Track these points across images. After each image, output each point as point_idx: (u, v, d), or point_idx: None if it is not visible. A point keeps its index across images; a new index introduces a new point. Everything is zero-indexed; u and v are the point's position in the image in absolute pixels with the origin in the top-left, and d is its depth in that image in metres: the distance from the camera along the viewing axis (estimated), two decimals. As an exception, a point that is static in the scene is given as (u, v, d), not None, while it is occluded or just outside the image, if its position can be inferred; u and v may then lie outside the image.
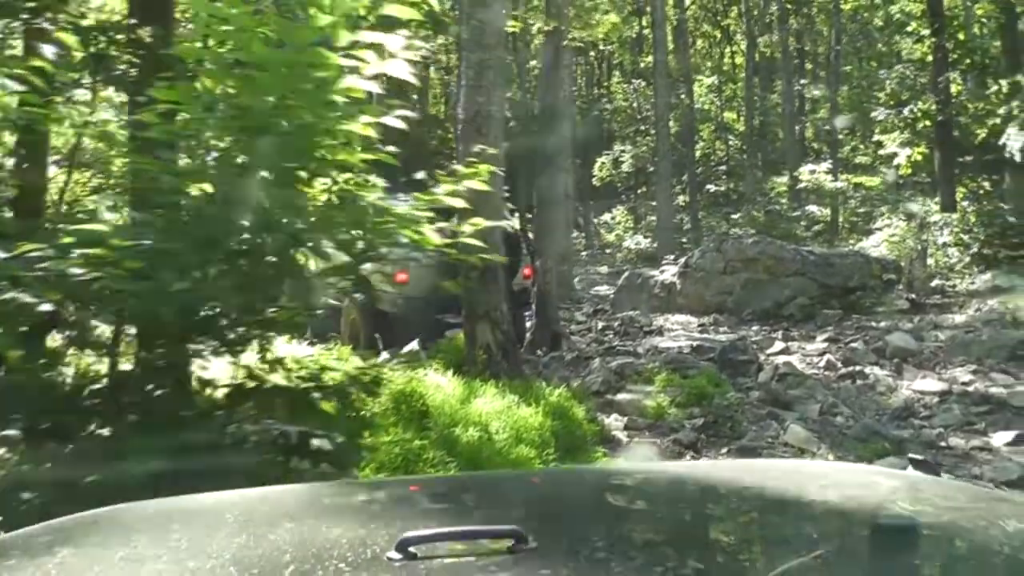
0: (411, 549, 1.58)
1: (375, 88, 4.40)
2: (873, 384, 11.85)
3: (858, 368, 12.50)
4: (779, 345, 14.23)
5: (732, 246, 18.13)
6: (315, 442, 5.77)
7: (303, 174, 4.69)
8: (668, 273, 18.78)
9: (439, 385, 9.87)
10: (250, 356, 5.24)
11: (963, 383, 12.15)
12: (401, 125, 4.50)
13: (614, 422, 10.17)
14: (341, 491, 2.62)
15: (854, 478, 2.44)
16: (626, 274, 20.50)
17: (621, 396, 10.91)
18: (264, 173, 4.47)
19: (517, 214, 15.92)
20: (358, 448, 6.77)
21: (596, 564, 1.59)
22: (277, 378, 5.71)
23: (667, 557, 1.65)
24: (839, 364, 12.84)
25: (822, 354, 13.57)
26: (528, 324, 15.16)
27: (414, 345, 11.93)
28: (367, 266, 13.82)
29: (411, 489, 2.59)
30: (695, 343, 12.98)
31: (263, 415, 5.26)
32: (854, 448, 9.10)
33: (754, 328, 16.36)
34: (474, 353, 11.26)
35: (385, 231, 4.59)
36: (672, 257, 21.92)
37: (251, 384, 5.36)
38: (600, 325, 17.20)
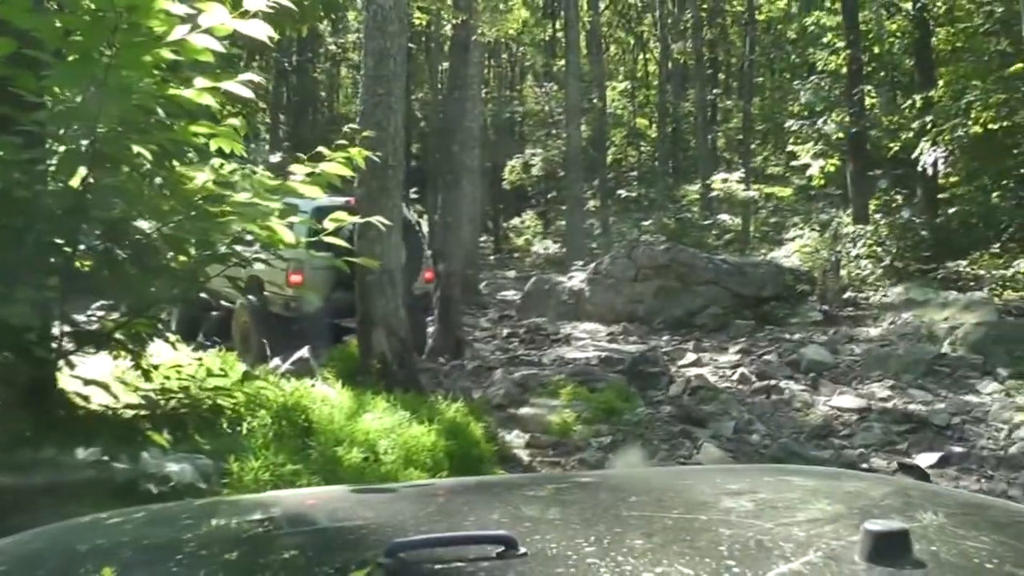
0: (401, 555, 1.57)
1: (219, 47, 3.58)
2: (789, 400, 11.30)
3: (773, 382, 11.96)
4: (691, 356, 13.64)
5: (643, 253, 17.54)
6: (170, 468, 5.18)
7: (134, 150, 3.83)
8: (577, 279, 18.11)
9: (327, 397, 9.09)
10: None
11: (881, 399, 11.70)
12: (247, 93, 3.68)
13: (516, 439, 9.46)
14: (331, 497, 2.61)
15: (843, 483, 2.42)
16: (533, 279, 19.82)
17: (524, 410, 10.20)
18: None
19: (425, 215, 15.24)
20: (218, 474, 5.99)
21: (586, 569, 1.57)
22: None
23: (657, 563, 1.61)
24: (753, 377, 12.29)
25: (735, 366, 13.02)
26: (429, 330, 14.45)
27: (304, 352, 11.07)
28: (259, 265, 12.84)
29: (401, 495, 2.53)
30: (603, 353, 12.31)
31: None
32: (772, 471, 8.45)
33: (665, 338, 15.78)
34: (368, 362, 10.46)
35: (221, 224, 3.75)
36: (581, 263, 21.33)
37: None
38: (505, 332, 16.50)
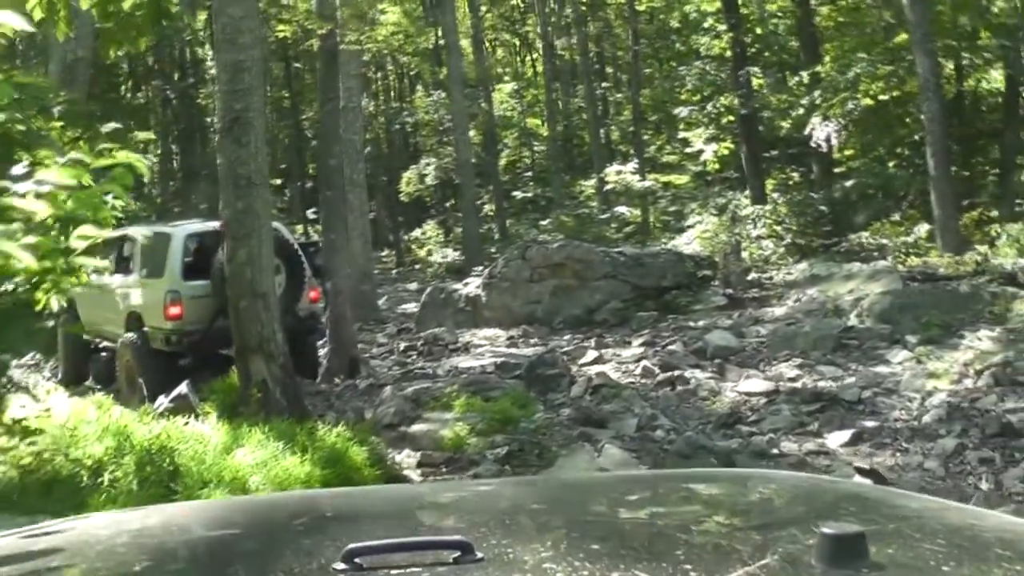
0: (357, 560, 1.55)
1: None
2: (695, 389, 10.80)
3: (677, 373, 11.45)
4: (592, 354, 13.05)
5: (537, 252, 16.95)
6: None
7: None
8: (472, 286, 17.47)
9: (200, 435, 8.46)
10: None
11: (790, 379, 11.32)
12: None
13: (407, 459, 8.85)
14: (287, 502, 2.63)
15: (799, 486, 2.39)
16: (429, 290, 19.13)
17: (416, 427, 9.58)
18: None
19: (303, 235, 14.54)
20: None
21: (542, 574, 1.57)
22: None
23: (614, 566, 1.61)
24: (657, 370, 11.76)
25: (639, 360, 12.50)
26: (323, 351, 13.76)
27: (183, 388, 10.31)
28: (136, 300, 11.91)
29: (358, 500, 2.52)
30: (500, 359, 11.69)
31: None
32: (677, 467, 7.89)
33: (566, 337, 15.21)
34: (248, 392, 9.73)
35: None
36: (480, 268, 20.73)
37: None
38: (403, 346, 15.78)
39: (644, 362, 12.10)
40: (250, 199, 9.92)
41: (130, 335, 12.60)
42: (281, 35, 20.00)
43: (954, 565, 1.63)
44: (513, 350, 13.27)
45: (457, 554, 1.58)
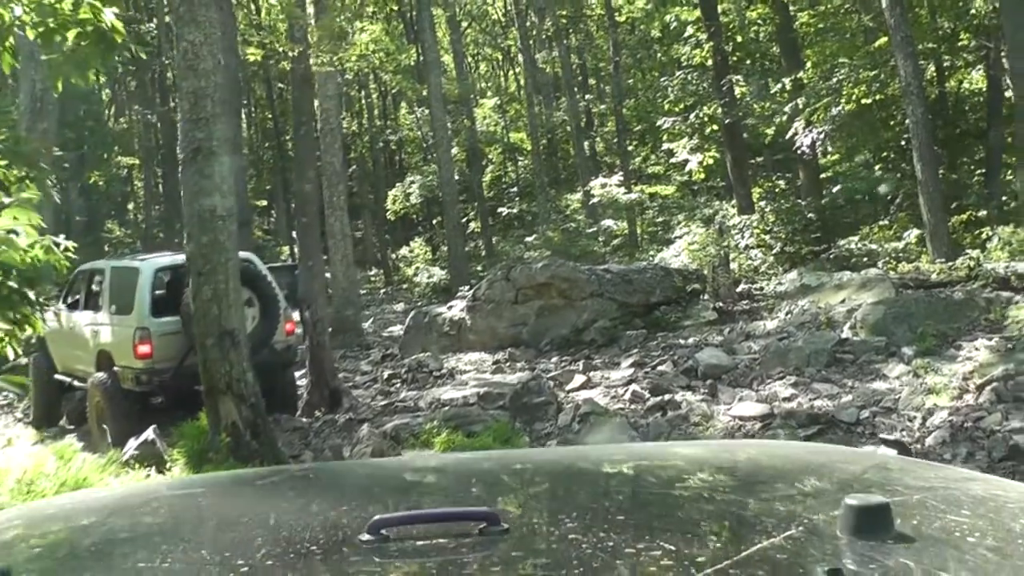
0: (383, 531, 1.57)
1: None
2: (687, 414, 10.41)
3: (668, 396, 11.04)
4: (579, 379, 12.65)
5: (521, 273, 16.53)
6: None
7: None
8: (456, 308, 17.05)
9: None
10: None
11: (785, 399, 10.94)
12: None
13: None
14: (314, 474, 2.61)
15: (824, 458, 2.38)
16: (412, 313, 18.72)
17: (395, 467, 9.07)
18: None
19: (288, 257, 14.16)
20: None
21: (567, 544, 1.58)
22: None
23: (639, 537, 1.62)
24: (647, 394, 11.37)
25: (628, 383, 12.11)
26: (303, 382, 13.38)
27: (149, 434, 9.89)
28: (105, 338, 11.46)
29: (384, 471, 2.52)
30: (483, 389, 11.26)
31: None
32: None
33: (553, 359, 14.81)
34: (216, 438, 9.31)
35: None
36: (467, 288, 20.34)
37: None
38: (387, 374, 15.34)
39: (633, 386, 11.70)
40: (215, 232, 9.53)
41: (100, 375, 12.15)
42: (252, 58, 19.58)
43: (979, 536, 1.63)
44: (499, 376, 12.86)
45: (483, 525, 1.59)
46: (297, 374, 13.76)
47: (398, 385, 14.53)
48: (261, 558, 1.62)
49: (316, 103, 19.64)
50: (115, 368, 12.07)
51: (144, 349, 11.72)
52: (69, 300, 13.89)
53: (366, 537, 1.58)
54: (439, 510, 1.77)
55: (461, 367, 14.86)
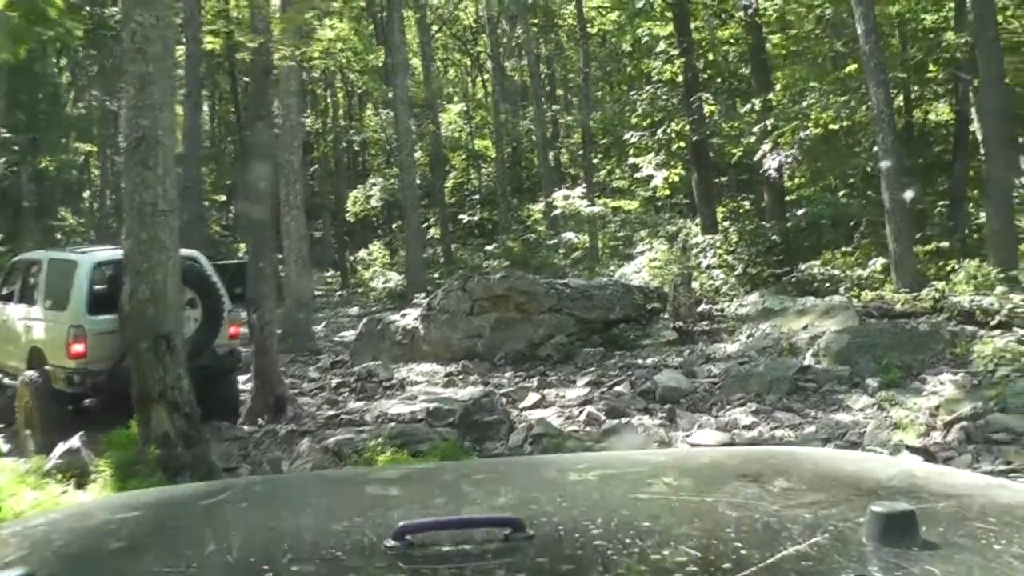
0: (408, 537, 1.58)
1: None
2: (644, 441, 9.96)
3: (624, 420, 10.61)
4: (534, 396, 12.23)
5: (478, 284, 16.09)
6: None
7: None
8: (410, 317, 16.57)
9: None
10: None
11: (745, 427, 10.57)
12: None
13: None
14: (340, 480, 2.72)
15: (850, 464, 2.40)
16: (365, 320, 18.23)
17: (335, 485, 8.59)
18: None
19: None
20: None
21: (593, 551, 1.59)
22: None
23: (664, 544, 1.63)
24: (603, 416, 10.95)
25: (583, 403, 11.70)
26: (248, 387, 12.88)
27: (75, 442, 9.27)
28: (38, 334, 10.79)
29: (409, 477, 2.55)
30: (432, 404, 10.77)
31: None
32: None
33: (507, 374, 14.38)
34: (145, 448, 8.77)
35: None
36: (423, 295, 19.87)
37: None
38: (335, 382, 14.83)
39: (589, 407, 11.28)
40: (156, 228, 8.96)
41: (31, 373, 11.46)
42: (211, 46, 18.95)
43: (1005, 543, 1.61)
44: (450, 391, 12.37)
45: (508, 531, 1.58)
46: (243, 379, 13.26)
47: (346, 394, 14.05)
48: (287, 562, 1.63)
49: (277, 99, 19.20)
50: (47, 367, 11.42)
51: (78, 348, 11.07)
52: (4, 291, 13.22)
53: (391, 543, 1.57)
54: (464, 516, 1.77)
55: (412, 378, 14.39)
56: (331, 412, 12.45)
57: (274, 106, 17.71)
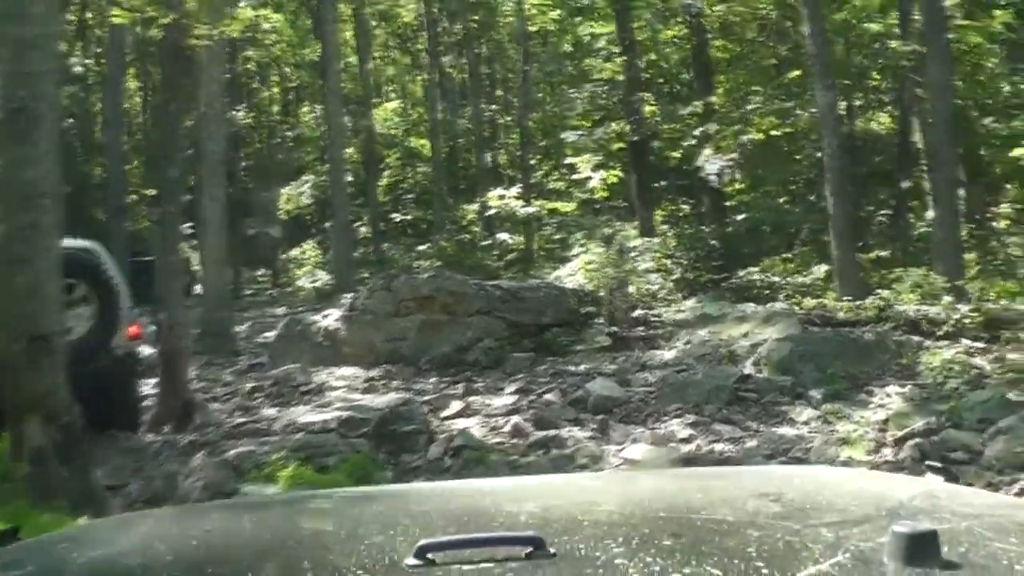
0: (429, 556, 1.58)
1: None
2: (573, 454, 9.29)
3: (553, 432, 9.88)
4: (457, 405, 11.44)
5: (404, 283, 15.26)
6: None
7: None
8: (332, 318, 15.70)
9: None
10: None
11: (683, 440, 9.84)
12: None
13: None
14: (360, 498, 2.64)
15: (871, 484, 2.44)
16: (284, 321, 17.34)
17: (230, 504, 7.74)
18: None
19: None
20: None
21: (614, 570, 1.59)
22: None
23: (685, 563, 1.61)
24: (530, 427, 10.21)
25: (510, 412, 10.94)
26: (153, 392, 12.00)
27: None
28: None
29: (430, 495, 2.56)
30: (346, 413, 9.95)
31: None
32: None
33: (432, 380, 13.59)
34: (15, 465, 7.81)
35: None
36: (350, 296, 19.04)
37: None
38: (249, 386, 13.93)
39: (516, 418, 10.53)
40: (36, 213, 7.98)
41: None
42: (117, 20, 17.78)
43: None
44: (368, 397, 11.57)
45: (529, 550, 1.57)
46: (152, 383, 12.37)
47: (260, 400, 13.17)
48: None
49: (204, 87, 18.34)
50: None
51: None
52: None
53: (412, 561, 1.56)
54: (486, 534, 1.70)
55: (332, 382, 13.55)
56: (242, 420, 11.61)
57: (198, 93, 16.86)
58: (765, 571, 1.53)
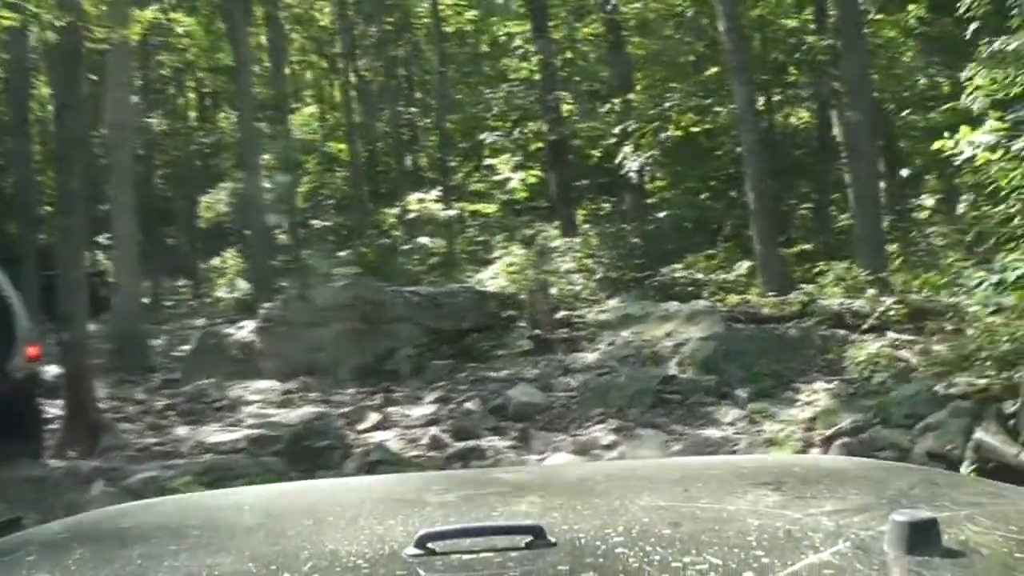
0: (430, 545, 1.57)
1: None
2: (492, 465, 8.95)
3: (473, 443, 9.60)
4: (374, 417, 11.10)
5: (320, 293, 14.93)
6: None
7: None
8: (247, 330, 15.27)
9: None
10: None
11: (605, 447, 9.59)
12: None
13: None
14: (360, 487, 2.68)
15: (870, 473, 2.40)
16: (199, 334, 16.85)
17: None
18: None
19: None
20: None
21: (615, 559, 1.59)
22: None
23: (685, 551, 1.62)
24: (447, 438, 9.88)
25: (429, 423, 10.63)
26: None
27: None
28: None
29: (430, 484, 2.48)
30: (257, 431, 9.56)
31: None
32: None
33: (351, 391, 13.25)
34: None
35: None
36: (271, 305, 18.58)
37: None
38: (161, 404, 13.44)
39: (434, 429, 10.23)
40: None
41: None
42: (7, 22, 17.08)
43: None
44: (282, 412, 11.19)
45: (529, 538, 1.58)
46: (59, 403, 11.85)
47: (173, 418, 12.70)
48: (308, 571, 1.58)
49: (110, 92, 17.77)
50: None
51: None
52: None
53: (413, 551, 1.55)
54: (486, 524, 1.72)
55: (247, 397, 13.14)
56: (151, 440, 11.14)
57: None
58: (765, 560, 1.53)
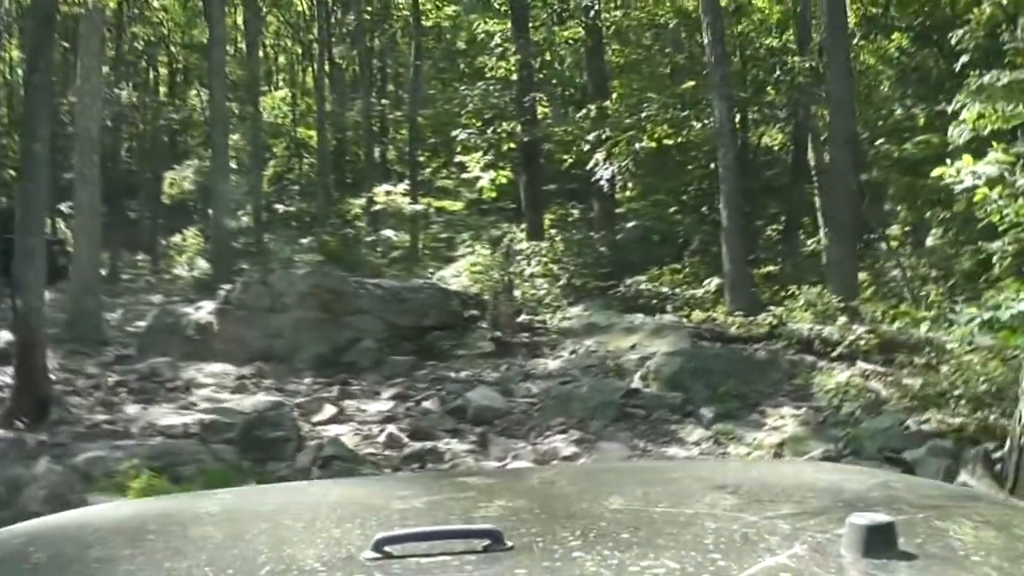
0: (387, 549, 1.58)
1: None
2: (449, 470, 8.69)
3: (430, 444, 9.35)
4: (330, 410, 10.83)
5: (281, 278, 14.61)
6: None
7: None
8: (204, 311, 14.92)
9: None
10: None
11: (566, 458, 9.37)
12: None
13: None
14: (318, 490, 2.68)
15: (828, 476, 2.45)
16: (155, 311, 16.48)
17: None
18: None
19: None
20: None
21: (572, 563, 1.59)
22: None
23: (643, 556, 1.61)
24: (405, 438, 9.65)
25: (386, 420, 10.38)
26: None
27: None
28: None
29: (387, 488, 2.58)
30: (210, 416, 9.26)
31: None
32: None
33: (307, 381, 12.98)
34: None
35: None
36: (230, 287, 18.24)
37: None
38: (113, 380, 13.07)
39: (391, 427, 9.96)
40: None
41: None
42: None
43: (984, 555, 1.66)
44: (236, 398, 10.89)
45: (487, 543, 1.58)
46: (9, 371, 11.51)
47: (124, 395, 12.35)
48: (265, 574, 1.57)
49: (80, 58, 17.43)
50: None
51: None
52: None
53: (370, 554, 1.55)
54: (443, 527, 1.72)
55: (200, 379, 12.81)
56: (101, 417, 10.80)
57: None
58: (722, 563, 1.52)
